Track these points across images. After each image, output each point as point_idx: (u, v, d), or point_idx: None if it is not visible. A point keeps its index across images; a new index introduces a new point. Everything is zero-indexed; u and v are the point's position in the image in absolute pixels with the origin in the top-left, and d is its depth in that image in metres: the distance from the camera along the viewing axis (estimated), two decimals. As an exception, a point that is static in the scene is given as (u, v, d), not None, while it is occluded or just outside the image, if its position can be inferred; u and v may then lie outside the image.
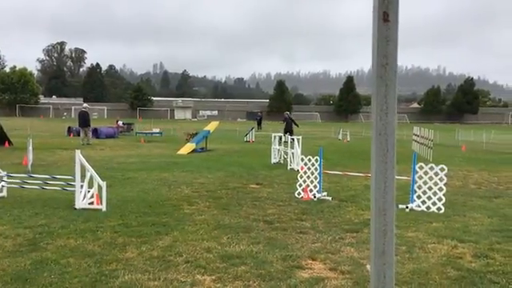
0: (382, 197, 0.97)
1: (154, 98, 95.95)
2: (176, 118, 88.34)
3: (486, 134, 33.47)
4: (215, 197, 9.37)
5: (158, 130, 30.72)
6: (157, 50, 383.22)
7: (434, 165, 8.58)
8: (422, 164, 8.62)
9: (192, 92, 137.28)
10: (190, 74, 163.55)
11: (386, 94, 0.97)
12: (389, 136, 0.96)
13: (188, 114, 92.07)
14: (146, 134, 29.11)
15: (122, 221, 7.12)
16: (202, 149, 20.69)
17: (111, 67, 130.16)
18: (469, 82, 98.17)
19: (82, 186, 7.97)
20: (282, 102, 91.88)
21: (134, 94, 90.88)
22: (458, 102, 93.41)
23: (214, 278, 4.83)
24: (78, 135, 28.76)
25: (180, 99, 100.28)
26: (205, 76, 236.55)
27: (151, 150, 20.43)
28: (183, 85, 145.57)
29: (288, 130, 26.10)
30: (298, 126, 27.28)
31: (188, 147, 19.93)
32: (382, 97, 0.97)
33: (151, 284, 4.61)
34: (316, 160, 9.62)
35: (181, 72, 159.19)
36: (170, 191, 9.90)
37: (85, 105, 25.29)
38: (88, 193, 8.08)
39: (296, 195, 9.57)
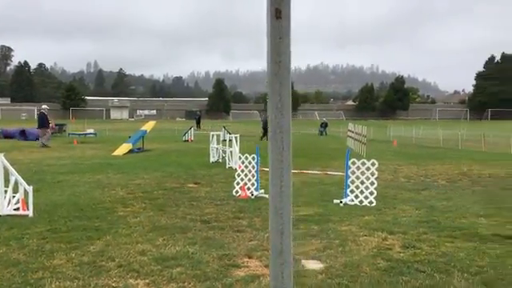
0: (278, 196, 0.95)
1: (88, 98, 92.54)
2: (112, 117, 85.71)
3: (416, 129, 35.21)
4: (151, 198, 9.16)
5: (92, 131, 29.66)
6: (90, 48, 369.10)
7: (365, 160, 8.88)
8: (355, 159, 8.90)
9: (129, 91, 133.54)
10: (127, 73, 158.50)
11: (280, 91, 0.95)
12: (284, 134, 0.95)
13: (125, 114, 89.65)
14: (79, 134, 27.96)
15: (51, 226, 6.77)
16: (139, 149, 20.21)
17: (41, 65, 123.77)
18: (400, 80, 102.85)
19: (6, 192, 7.50)
20: (221, 101, 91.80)
21: (65, 94, 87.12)
22: (390, 99, 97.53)
23: (147, 281, 4.70)
24: (5, 138, 27.29)
25: (116, 98, 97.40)
26: (142, 75, 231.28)
27: (84, 152, 19.67)
28: (119, 84, 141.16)
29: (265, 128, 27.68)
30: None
31: (124, 148, 19.38)
32: (277, 95, 0.96)
33: (80, 291, 4.41)
34: (253, 158, 9.67)
35: (116, 71, 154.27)
36: (103, 194, 9.56)
37: (44, 106, 24.57)
38: (13, 198, 7.62)
39: (234, 193, 9.56)
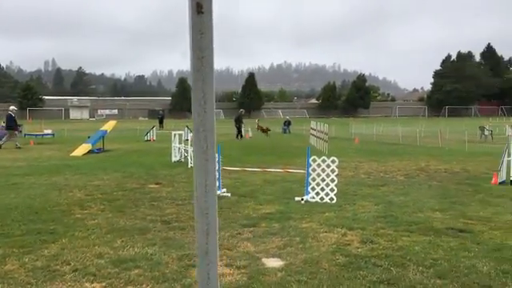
0: (203, 196, 0.94)
1: (46, 97, 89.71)
2: (71, 117, 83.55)
3: (377, 126, 35.98)
4: (110, 199, 8.96)
5: (49, 131, 28.76)
6: (48, 46, 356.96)
7: (326, 157, 8.98)
8: (315, 157, 8.99)
9: (89, 90, 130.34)
10: (87, 72, 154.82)
11: (203, 88, 0.93)
12: (208, 132, 0.93)
13: (85, 114, 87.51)
14: (35, 135, 27.09)
15: (3, 231, 6.52)
16: (99, 149, 19.76)
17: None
18: (361, 79, 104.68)
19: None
20: (184, 100, 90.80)
21: (22, 94, 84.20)
22: (352, 97, 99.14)
23: (104, 284, 4.59)
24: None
25: (75, 98, 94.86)
26: (103, 73, 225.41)
27: (41, 153, 19.05)
28: (79, 83, 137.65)
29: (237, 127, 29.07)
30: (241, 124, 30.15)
31: (83, 148, 18.91)
32: (200, 91, 0.94)
33: (33, 297, 4.26)
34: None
35: (75, 69, 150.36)
36: (60, 196, 9.28)
37: (12, 107, 24.00)
38: (-38, 202, 7.30)
39: (195, 193, 9.46)
